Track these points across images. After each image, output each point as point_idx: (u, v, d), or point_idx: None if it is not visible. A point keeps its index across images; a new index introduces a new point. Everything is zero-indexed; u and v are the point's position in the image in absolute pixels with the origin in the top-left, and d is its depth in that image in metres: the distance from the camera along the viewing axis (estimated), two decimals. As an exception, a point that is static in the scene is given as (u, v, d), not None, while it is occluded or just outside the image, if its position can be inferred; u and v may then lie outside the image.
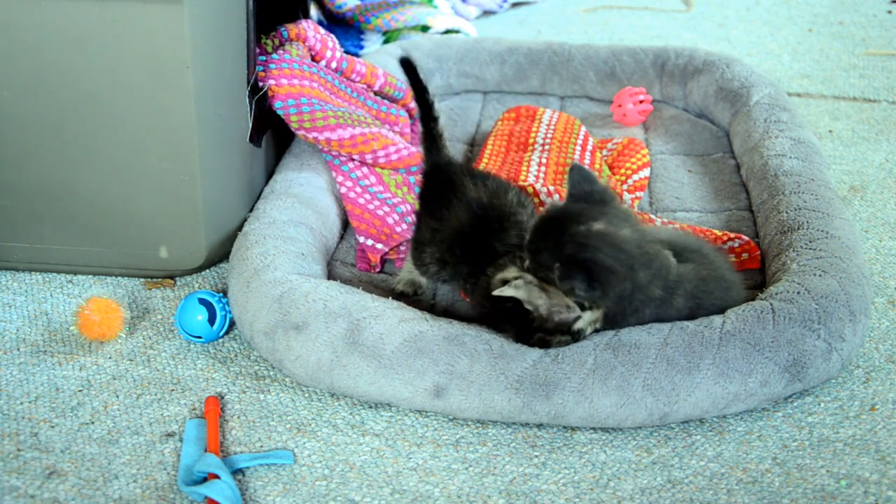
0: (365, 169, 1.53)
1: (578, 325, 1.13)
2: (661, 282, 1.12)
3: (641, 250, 1.10)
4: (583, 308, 1.12)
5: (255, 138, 1.48)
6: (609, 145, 1.72)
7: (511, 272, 1.18)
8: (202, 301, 1.26)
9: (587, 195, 1.12)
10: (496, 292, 1.13)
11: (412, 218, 1.50)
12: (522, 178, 1.58)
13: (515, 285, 1.12)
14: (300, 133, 1.51)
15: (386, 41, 2.27)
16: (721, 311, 1.17)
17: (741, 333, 1.13)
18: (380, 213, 1.51)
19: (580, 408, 1.10)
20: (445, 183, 1.32)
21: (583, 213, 1.10)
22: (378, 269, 1.43)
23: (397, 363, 1.13)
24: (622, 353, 1.11)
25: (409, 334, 1.14)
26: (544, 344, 1.14)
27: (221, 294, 1.31)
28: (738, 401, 1.12)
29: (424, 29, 2.29)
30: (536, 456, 1.10)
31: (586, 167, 1.09)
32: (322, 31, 1.65)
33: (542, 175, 1.59)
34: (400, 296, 1.35)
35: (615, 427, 1.13)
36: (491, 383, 1.11)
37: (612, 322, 1.14)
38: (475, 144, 1.82)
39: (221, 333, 1.28)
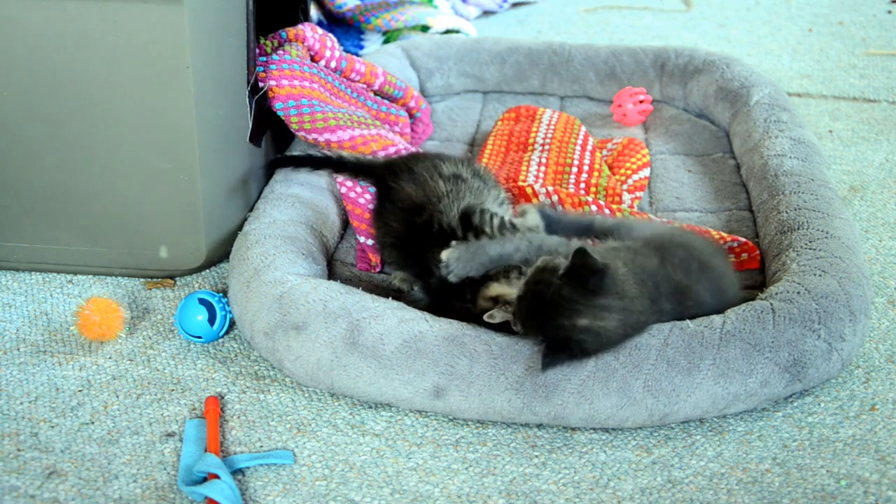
0: (365, 169, 1.53)
1: None
2: (647, 317, 1.13)
3: (624, 330, 1.11)
4: None
5: (255, 138, 1.48)
6: (609, 145, 1.72)
7: (495, 289, 1.21)
8: (202, 301, 1.26)
9: (584, 279, 1.09)
10: (486, 318, 1.16)
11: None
12: (522, 178, 1.58)
13: (497, 315, 1.16)
14: (300, 134, 1.51)
15: (386, 41, 2.27)
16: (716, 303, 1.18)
17: (741, 334, 1.13)
18: (380, 213, 1.51)
19: (580, 409, 1.10)
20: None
21: (570, 308, 1.08)
22: (378, 269, 1.43)
23: (397, 364, 1.13)
24: (622, 355, 1.11)
25: (409, 335, 1.14)
26: None
27: (221, 294, 1.31)
28: (738, 401, 1.12)
29: (424, 29, 2.29)
30: (536, 456, 1.10)
31: (592, 255, 1.08)
32: (320, 30, 1.65)
33: (541, 175, 1.59)
34: (398, 293, 1.35)
35: (615, 427, 1.13)
36: (491, 384, 1.11)
37: None
38: (475, 144, 1.82)
39: (221, 333, 1.28)
